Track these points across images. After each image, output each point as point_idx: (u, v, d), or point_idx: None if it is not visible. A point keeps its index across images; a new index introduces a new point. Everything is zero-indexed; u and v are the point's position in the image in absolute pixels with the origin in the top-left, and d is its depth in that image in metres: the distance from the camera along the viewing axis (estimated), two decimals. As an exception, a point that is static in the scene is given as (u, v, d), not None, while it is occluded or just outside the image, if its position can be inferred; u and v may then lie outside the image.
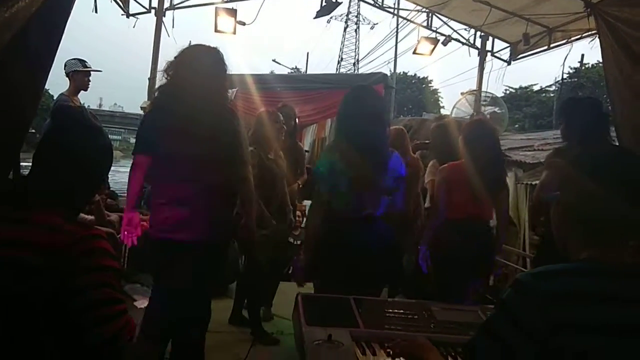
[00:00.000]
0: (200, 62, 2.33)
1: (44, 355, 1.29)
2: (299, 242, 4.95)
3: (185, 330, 2.47)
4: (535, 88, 27.99)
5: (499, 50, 5.96)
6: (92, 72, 4.45)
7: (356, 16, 42.57)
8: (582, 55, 22.09)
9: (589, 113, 2.74)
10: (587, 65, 23.90)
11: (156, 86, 2.45)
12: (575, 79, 23.47)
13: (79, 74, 4.31)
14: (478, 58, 6.03)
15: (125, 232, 2.43)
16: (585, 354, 0.95)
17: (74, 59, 4.33)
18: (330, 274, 2.47)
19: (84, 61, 4.37)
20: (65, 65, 4.30)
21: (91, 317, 1.29)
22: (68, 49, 3.67)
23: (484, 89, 6.01)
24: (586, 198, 1.08)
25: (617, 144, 3.07)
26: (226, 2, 5.35)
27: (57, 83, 4.56)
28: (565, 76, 22.62)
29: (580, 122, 2.70)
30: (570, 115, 2.84)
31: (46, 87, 2.53)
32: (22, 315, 1.26)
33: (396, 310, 1.95)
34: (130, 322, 1.38)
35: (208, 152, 2.26)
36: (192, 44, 2.51)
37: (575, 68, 23.94)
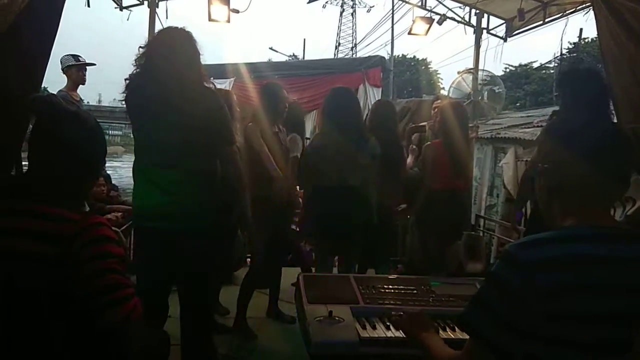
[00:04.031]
0: (173, 47, 2.26)
1: (55, 343, 1.33)
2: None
3: (186, 320, 2.45)
4: (535, 65, 27.74)
5: (494, 27, 5.91)
6: (88, 67, 4.49)
7: (352, -1, 42.16)
8: (581, 30, 21.83)
9: (585, 84, 2.72)
10: (586, 40, 23.64)
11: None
12: (575, 54, 23.23)
13: (74, 69, 4.36)
14: (474, 36, 5.99)
15: None
16: (572, 316, 0.99)
17: (68, 54, 4.38)
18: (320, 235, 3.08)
19: (78, 56, 4.42)
20: (61, 62, 4.34)
21: (99, 303, 1.31)
22: (64, 45, 3.69)
23: (482, 67, 5.97)
24: (561, 166, 1.11)
25: (615, 118, 3.07)
26: (219, -10, 5.30)
27: (55, 81, 4.59)
28: (564, 51, 22.40)
29: (576, 94, 2.69)
30: (568, 86, 2.83)
31: (45, 85, 2.55)
32: (31, 304, 1.29)
33: (395, 286, 2.00)
34: (139, 305, 1.41)
35: (189, 138, 2.20)
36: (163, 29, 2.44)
37: (574, 43, 23.66)
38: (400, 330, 1.51)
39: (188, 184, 2.24)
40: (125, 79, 2.33)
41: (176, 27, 2.37)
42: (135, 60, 2.30)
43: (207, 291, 2.52)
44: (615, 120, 2.79)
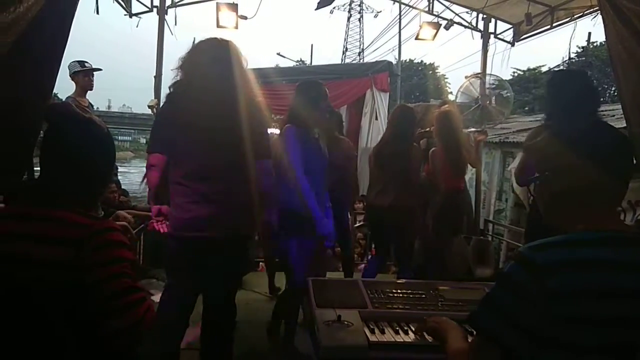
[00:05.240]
0: (215, 58, 2.27)
1: (66, 346, 1.33)
2: None
3: (213, 325, 2.47)
4: (544, 69, 27.59)
5: (501, 32, 5.89)
6: (95, 72, 4.54)
7: (359, 5, 42.31)
8: (589, 34, 21.81)
9: (575, 87, 2.70)
10: (595, 44, 23.53)
11: (169, 83, 2.39)
12: (584, 58, 23.11)
13: (80, 75, 4.42)
14: (481, 41, 5.99)
15: (156, 222, 2.43)
16: (583, 319, 0.99)
17: (74, 61, 4.43)
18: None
19: (84, 61, 4.47)
20: (68, 69, 4.40)
21: (111, 307, 1.32)
22: (73, 52, 3.73)
23: (490, 71, 5.95)
24: (568, 172, 1.11)
25: (625, 122, 3.05)
26: (227, -4, 5.35)
27: (66, 87, 4.65)
28: (573, 55, 22.31)
29: (566, 97, 2.66)
30: (556, 89, 2.81)
31: (55, 91, 2.58)
32: (43, 308, 1.31)
33: (404, 290, 2.00)
34: (151, 309, 1.41)
35: (230, 149, 2.22)
36: (197, 40, 2.42)
37: (583, 47, 23.58)
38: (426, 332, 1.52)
39: (227, 193, 2.27)
40: (169, 87, 2.35)
41: (215, 38, 2.36)
42: (176, 71, 2.31)
43: (234, 296, 2.54)
44: (604, 120, 2.76)
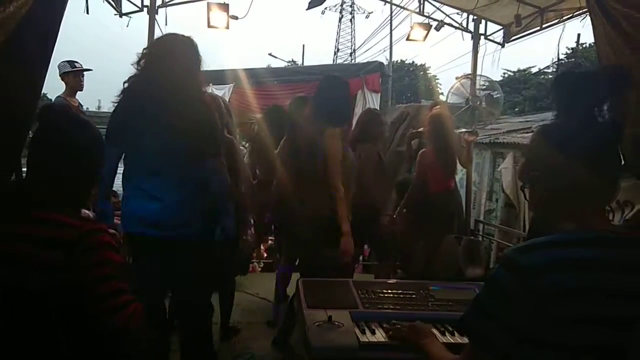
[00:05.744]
0: (171, 52, 2.26)
1: (58, 346, 1.33)
2: None
3: (183, 325, 2.44)
4: (534, 70, 27.80)
5: (492, 33, 5.91)
6: (85, 73, 4.49)
7: (351, 5, 42.34)
8: (578, 35, 22.01)
9: (568, 87, 2.71)
10: (584, 45, 23.76)
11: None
12: (573, 59, 23.31)
13: (70, 75, 4.36)
14: (472, 42, 6.01)
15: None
16: (574, 319, 0.99)
17: (64, 61, 4.38)
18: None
19: (74, 62, 4.41)
20: (58, 69, 4.35)
21: (101, 309, 1.33)
22: (64, 52, 3.70)
23: (480, 72, 5.97)
24: (558, 170, 1.11)
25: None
26: (217, -4, 5.32)
27: (55, 87, 4.61)
28: (562, 57, 22.51)
29: (558, 97, 2.68)
30: (550, 90, 2.84)
31: (44, 91, 2.56)
32: (35, 309, 1.31)
33: (394, 291, 2.00)
34: (139, 309, 1.42)
35: (177, 144, 2.19)
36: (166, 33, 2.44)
37: (572, 48, 23.80)
38: (400, 341, 1.53)
39: (173, 191, 2.22)
40: (124, 82, 2.33)
41: (176, 33, 2.36)
42: (134, 64, 2.30)
43: (200, 297, 2.47)
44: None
